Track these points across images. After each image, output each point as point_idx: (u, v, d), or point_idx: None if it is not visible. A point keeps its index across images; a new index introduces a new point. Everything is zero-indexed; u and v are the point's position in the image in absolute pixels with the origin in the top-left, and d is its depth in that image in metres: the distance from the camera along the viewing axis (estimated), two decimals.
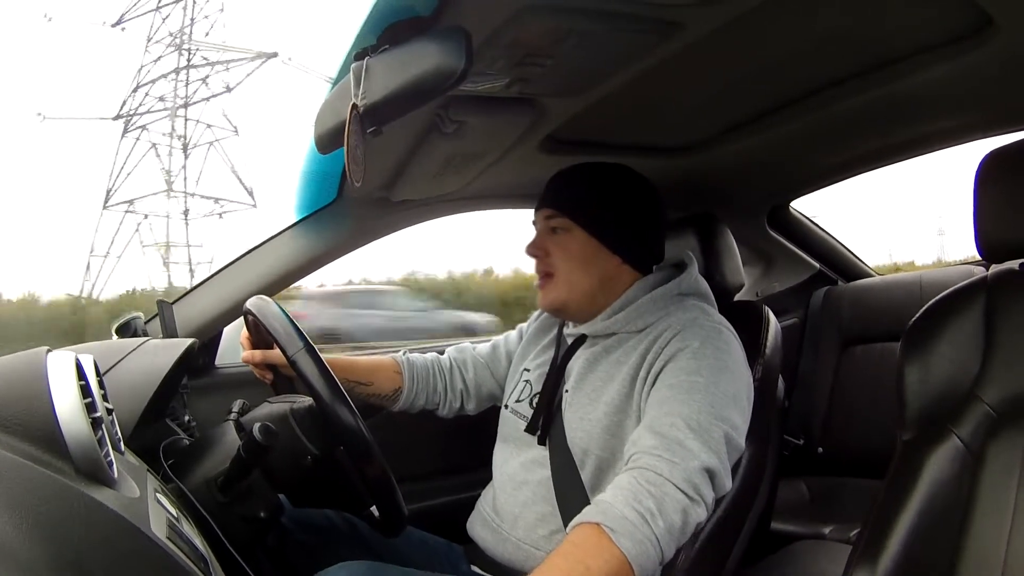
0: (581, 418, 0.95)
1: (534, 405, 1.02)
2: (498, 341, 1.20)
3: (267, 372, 1.04)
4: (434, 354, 1.19)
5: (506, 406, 1.08)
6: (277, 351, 0.89)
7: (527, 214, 1.07)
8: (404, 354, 1.16)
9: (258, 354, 1.02)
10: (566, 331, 1.05)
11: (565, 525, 0.92)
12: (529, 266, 1.03)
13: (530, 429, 1.00)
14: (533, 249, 1.01)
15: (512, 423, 1.04)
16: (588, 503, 0.90)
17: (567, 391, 0.99)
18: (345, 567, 0.85)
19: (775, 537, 1.34)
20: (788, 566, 1.24)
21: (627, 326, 0.97)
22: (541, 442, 0.99)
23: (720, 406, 0.84)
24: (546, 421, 0.99)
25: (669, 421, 0.82)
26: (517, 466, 1.01)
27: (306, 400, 0.89)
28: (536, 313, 1.17)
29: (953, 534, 0.79)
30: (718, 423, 0.83)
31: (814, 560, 1.26)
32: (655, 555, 0.74)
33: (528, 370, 1.08)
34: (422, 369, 1.15)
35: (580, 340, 1.02)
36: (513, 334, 1.19)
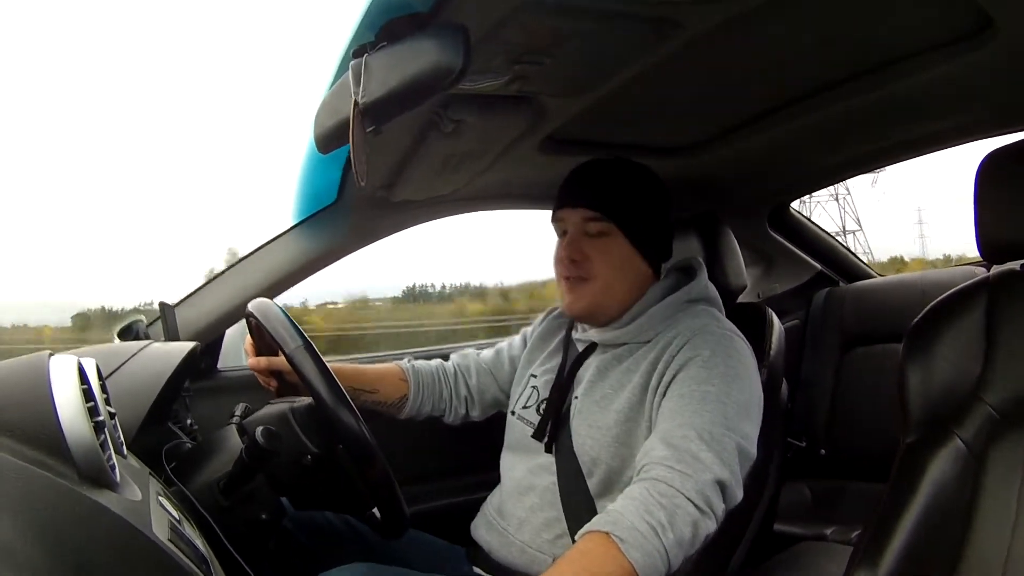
0: (590, 426, 0.94)
1: (541, 412, 1.01)
2: (501, 346, 1.19)
3: (272, 379, 1.03)
4: (439, 361, 1.18)
5: (513, 412, 1.07)
6: (282, 358, 0.89)
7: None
8: (409, 361, 1.16)
9: (263, 361, 1.01)
10: (575, 335, 1.04)
11: (571, 530, 0.92)
12: None
13: (537, 435, 1.00)
14: (573, 252, 0.96)
15: (519, 429, 1.04)
16: (594, 509, 0.90)
17: (576, 398, 0.98)
18: (346, 569, 0.85)
19: (778, 538, 1.34)
20: (790, 567, 1.24)
21: (639, 336, 0.96)
22: (548, 449, 0.98)
23: (732, 416, 0.84)
24: (553, 428, 0.98)
25: (682, 432, 0.81)
26: (523, 472, 1.00)
27: (305, 399, 0.89)
28: (541, 316, 1.16)
29: (955, 536, 0.79)
30: (730, 434, 0.82)
31: (816, 562, 1.25)
32: (663, 567, 0.74)
33: (535, 376, 1.07)
34: (427, 376, 1.14)
35: (591, 348, 1.01)
36: (517, 339, 1.18)
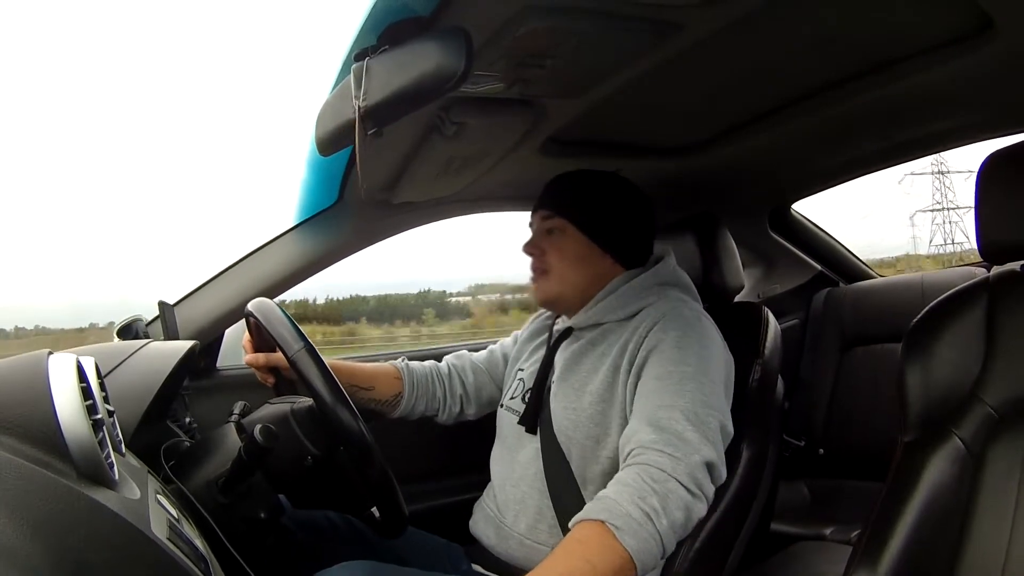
0: (565, 407, 0.97)
1: (526, 400, 1.04)
2: (494, 347, 1.22)
3: (269, 375, 1.04)
4: (432, 361, 1.20)
5: (502, 405, 1.10)
6: (279, 354, 0.89)
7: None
8: (403, 361, 1.18)
9: (261, 357, 1.03)
10: (555, 327, 1.08)
11: (558, 516, 0.93)
12: None
13: (523, 422, 1.02)
14: (530, 248, 1.05)
15: (507, 420, 1.06)
16: (579, 493, 0.92)
17: (553, 382, 1.01)
18: (345, 567, 0.85)
19: (775, 538, 1.34)
20: (788, 567, 1.24)
21: (608, 315, 0.99)
22: (532, 431, 1.00)
23: (711, 394, 0.86)
24: (536, 412, 1.01)
25: (667, 414, 0.83)
26: (513, 463, 1.02)
27: (306, 401, 0.89)
28: (532, 318, 1.19)
29: (954, 536, 0.79)
30: (712, 412, 0.85)
31: (814, 561, 1.25)
32: (658, 552, 0.76)
33: (522, 369, 1.11)
34: (421, 376, 1.16)
35: (566, 333, 1.04)
36: (508, 340, 1.22)
